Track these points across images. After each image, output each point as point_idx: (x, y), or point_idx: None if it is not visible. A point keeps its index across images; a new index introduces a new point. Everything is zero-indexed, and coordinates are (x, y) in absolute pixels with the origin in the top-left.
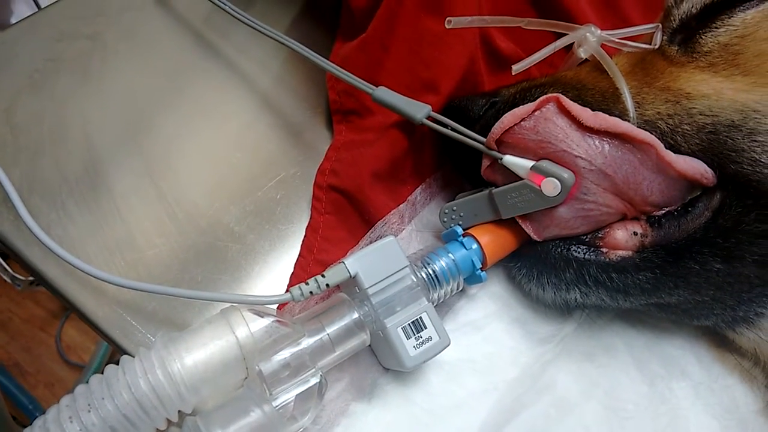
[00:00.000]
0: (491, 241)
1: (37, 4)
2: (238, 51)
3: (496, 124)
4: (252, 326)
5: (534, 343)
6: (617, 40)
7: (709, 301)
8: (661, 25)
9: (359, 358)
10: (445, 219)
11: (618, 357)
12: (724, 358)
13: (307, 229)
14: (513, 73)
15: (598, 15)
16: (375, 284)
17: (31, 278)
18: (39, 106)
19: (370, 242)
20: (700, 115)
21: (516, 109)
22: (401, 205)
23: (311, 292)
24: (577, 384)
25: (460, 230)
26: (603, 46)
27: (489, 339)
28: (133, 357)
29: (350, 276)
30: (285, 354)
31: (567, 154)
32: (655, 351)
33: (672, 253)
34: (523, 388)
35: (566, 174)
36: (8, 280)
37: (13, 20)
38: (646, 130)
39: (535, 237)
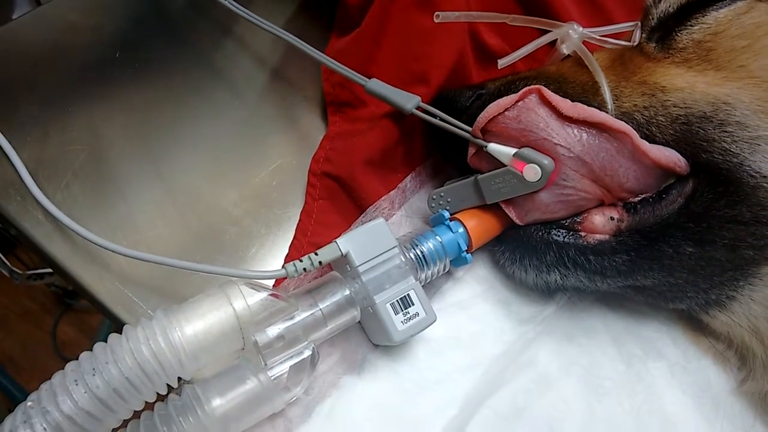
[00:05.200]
0: (477, 225)
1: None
2: (237, 44)
3: (482, 113)
4: (249, 299)
5: (517, 322)
6: (598, 37)
7: (683, 284)
8: (640, 24)
9: (350, 335)
10: (434, 204)
11: (597, 337)
12: (699, 341)
13: (301, 213)
14: (499, 67)
15: (582, 13)
16: (365, 262)
17: (28, 272)
18: (44, 94)
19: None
20: (674, 107)
21: (500, 100)
22: (392, 192)
23: (305, 269)
24: (558, 361)
25: (447, 214)
26: (585, 42)
27: (474, 318)
28: (136, 327)
29: (342, 254)
30: (279, 327)
31: (547, 142)
32: (633, 332)
33: (647, 237)
34: (505, 364)
35: (546, 161)
36: (6, 274)
37: (15, 15)
38: (623, 121)
39: (517, 221)
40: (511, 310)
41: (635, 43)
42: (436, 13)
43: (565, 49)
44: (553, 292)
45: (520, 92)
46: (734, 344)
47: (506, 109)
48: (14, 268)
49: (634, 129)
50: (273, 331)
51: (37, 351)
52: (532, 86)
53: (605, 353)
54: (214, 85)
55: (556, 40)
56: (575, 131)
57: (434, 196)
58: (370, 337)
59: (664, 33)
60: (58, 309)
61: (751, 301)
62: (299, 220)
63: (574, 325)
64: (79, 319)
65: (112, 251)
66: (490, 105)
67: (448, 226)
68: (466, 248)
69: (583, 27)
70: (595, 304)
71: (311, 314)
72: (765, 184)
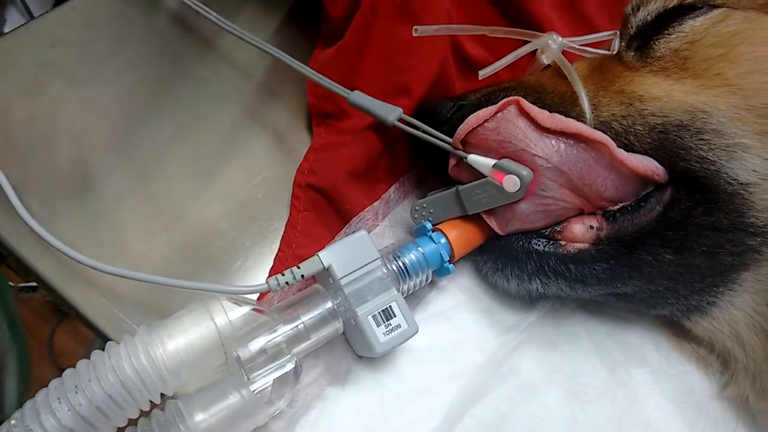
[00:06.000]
0: (459, 235)
1: (30, 13)
2: (223, 58)
3: (462, 125)
4: (230, 314)
5: (500, 331)
6: (578, 47)
7: (663, 291)
8: (619, 32)
9: (334, 347)
10: (416, 215)
11: (580, 344)
12: (682, 346)
13: (286, 225)
14: (480, 78)
15: (564, 22)
16: (347, 275)
17: (22, 284)
18: (31, 109)
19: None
20: (652, 116)
21: (479, 111)
22: (375, 203)
23: (287, 283)
24: (541, 369)
25: (429, 225)
26: (565, 52)
27: (457, 327)
28: (119, 342)
29: (324, 267)
30: (262, 341)
31: (526, 152)
32: (615, 339)
33: (626, 245)
34: (488, 373)
35: (525, 171)
36: None
37: (7, 29)
38: (601, 130)
39: (498, 231)
40: (494, 318)
41: (614, 52)
42: (415, 27)
43: (544, 59)
44: (535, 300)
45: (499, 104)
46: (716, 349)
47: (485, 121)
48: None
49: (613, 138)
50: (255, 345)
51: (34, 361)
52: (510, 98)
53: (588, 360)
54: (200, 98)
55: (537, 49)
56: (553, 142)
57: (417, 207)
58: (353, 349)
59: (642, 42)
60: (54, 319)
61: (731, 307)
62: (284, 232)
63: (557, 333)
64: (75, 328)
65: (97, 269)
66: (470, 117)
67: (431, 237)
68: (449, 258)
69: (564, 36)
70: (577, 311)
71: (293, 327)
72: (742, 192)
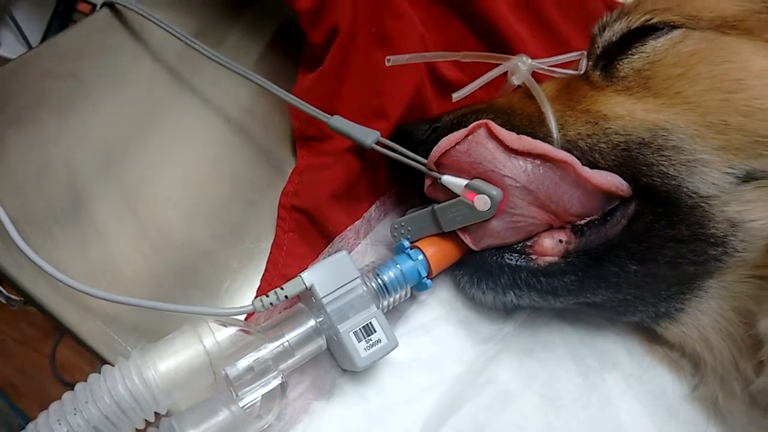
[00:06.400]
0: (435, 252)
1: (23, 34)
2: (210, 85)
3: (435, 147)
4: (218, 335)
5: (478, 341)
6: (546, 68)
7: (632, 299)
8: (586, 53)
9: (320, 361)
10: (395, 234)
11: (555, 352)
12: (654, 351)
13: (272, 246)
14: (453, 101)
15: (538, 40)
16: (329, 294)
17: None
18: (26, 140)
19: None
20: (615, 134)
21: (451, 134)
22: (357, 222)
23: (272, 303)
24: (517, 377)
25: (407, 243)
26: (534, 73)
27: (437, 340)
28: (113, 365)
29: (306, 287)
30: (249, 359)
31: (495, 173)
32: (589, 345)
33: (593, 257)
34: (466, 383)
35: (495, 191)
36: (3, 301)
37: (1, 51)
38: (568, 148)
39: (473, 247)
40: (472, 329)
41: (582, 72)
42: (387, 57)
43: (515, 81)
44: (511, 311)
45: (470, 127)
46: (687, 353)
47: (457, 143)
48: (10, 295)
49: (579, 156)
50: (243, 363)
51: (38, 376)
52: (480, 121)
53: (563, 366)
54: (187, 124)
55: (508, 71)
56: (521, 162)
57: (396, 226)
58: (338, 362)
59: (607, 62)
60: (57, 333)
61: (698, 313)
62: (270, 253)
63: (533, 341)
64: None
65: (92, 296)
66: (443, 139)
67: (409, 255)
68: (426, 274)
69: (533, 57)
70: (553, 320)
71: (279, 345)
72: (702, 204)
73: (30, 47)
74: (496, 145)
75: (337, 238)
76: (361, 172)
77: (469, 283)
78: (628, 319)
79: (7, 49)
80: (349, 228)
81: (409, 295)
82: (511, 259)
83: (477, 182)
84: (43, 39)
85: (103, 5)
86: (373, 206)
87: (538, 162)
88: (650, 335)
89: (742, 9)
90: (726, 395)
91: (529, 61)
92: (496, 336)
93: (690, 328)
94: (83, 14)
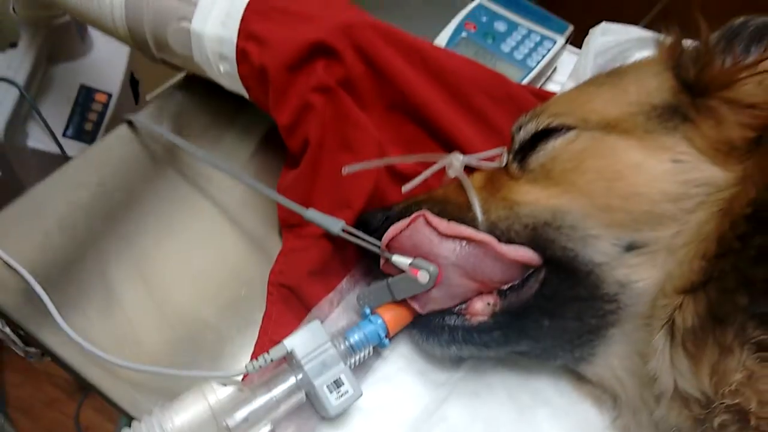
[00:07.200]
0: (392, 316)
1: (48, 126)
2: (208, 180)
3: (386, 234)
4: (219, 394)
5: (432, 387)
6: (476, 162)
7: (551, 347)
8: (506, 149)
9: (303, 410)
10: (360, 302)
11: (496, 392)
12: (581, 388)
13: (263, 316)
14: (402, 192)
15: (479, 135)
16: (306, 356)
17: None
18: (64, 240)
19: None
20: (526, 217)
21: (397, 224)
22: (330, 294)
23: (260, 366)
24: (464, 416)
25: (368, 311)
26: (467, 167)
27: (397, 387)
28: (140, 421)
29: (288, 351)
30: (244, 412)
31: (432, 253)
32: (525, 385)
33: (515, 315)
34: (422, 421)
35: (432, 267)
36: (21, 354)
37: (29, 143)
38: (491, 229)
39: (420, 311)
40: (427, 377)
41: (503, 165)
42: (343, 167)
43: (451, 174)
44: (460, 360)
45: (411, 217)
46: (606, 389)
47: (402, 231)
48: (28, 348)
49: (499, 235)
50: (240, 415)
51: None
52: (419, 212)
53: (502, 405)
54: (193, 216)
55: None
56: (451, 244)
57: (360, 296)
58: (316, 410)
59: (522, 156)
60: (80, 394)
61: (608, 356)
62: (262, 322)
63: (478, 384)
64: (101, 403)
65: (121, 366)
66: (391, 228)
67: (370, 320)
68: (385, 335)
69: (475, 151)
70: (495, 366)
71: (268, 399)
72: (596, 270)
73: (54, 137)
74: (431, 230)
75: (314, 308)
76: (333, 253)
77: (421, 339)
78: (553, 363)
79: (34, 139)
80: (324, 299)
81: (372, 352)
82: (450, 320)
83: (418, 261)
84: (66, 128)
85: (121, 122)
86: (344, 280)
87: (465, 243)
88: (577, 375)
89: (621, 112)
90: (637, 424)
91: (461, 157)
92: (448, 381)
93: (603, 369)
94: (101, 103)
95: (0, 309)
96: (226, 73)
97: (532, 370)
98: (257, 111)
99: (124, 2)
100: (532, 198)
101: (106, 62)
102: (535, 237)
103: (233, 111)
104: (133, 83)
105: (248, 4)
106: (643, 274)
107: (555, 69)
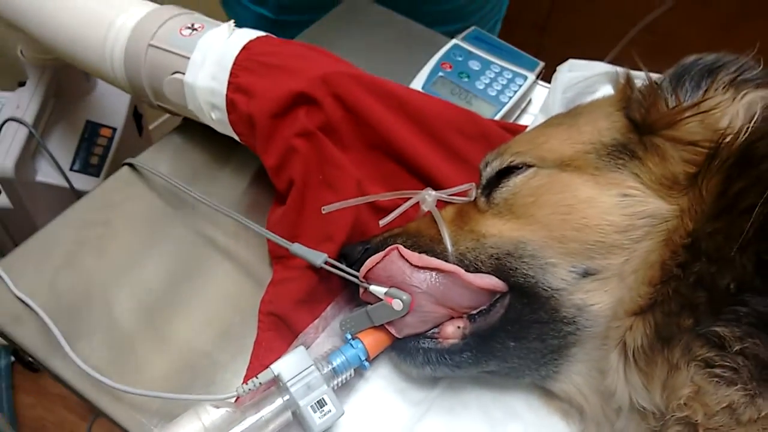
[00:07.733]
0: (372, 341)
1: (56, 162)
2: (203, 217)
3: (364, 265)
4: (213, 415)
5: (410, 405)
6: (447, 197)
7: (518, 366)
8: (475, 185)
9: (290, 428)
10: (343, 328)
11: (470, 409)
12: (550, 403)
13: (255, 343)
14: (380, 226)
15: (455, 171)
16: (291, 379)
17: None
18: (73, 278)
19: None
20: (491, 247)
21: (373, 257)
22: (316, 320)
23: (250, 389)
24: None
25: (349, 336)
26: (439, 201)
27: (378, 406)
28: None
29: (275, 375)
30: (236, 431)
31: (405, 283)
32: (497, 401)
33: (482, 338)
34: None
35: (405, 296)
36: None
37: (38, 177)
38: (460, 259)
39: (397, 335)
40: (406, 396)
41: (473, 199)
42: (322, 207)
43: (425, 208)
44: (437, 379)
45: (386, 251)
46: (573, 404)
47: (377, 263)
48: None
49: (468, 264)
50: None
51: None
52: (393, 245)
53: (475, 420)
54: (189, 251)
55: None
56: (422, 275)
57: (342, 323)
58: (303, 429)
59: (489, 191)
60: (90, 416)
61: (572, 373)
62: (253, 349)
63: (453, 401)
64: (110, 425)
65: (126, 392)
66: (368, 260)
67: (351, 344)
68: (365, 358)
69: (447, 187)
70: (471, 384)
71: (257, 419)
72: (555, 295)
73: (62, 171)
74: (404, 263)
75: (301, 334)
76: (318, 282)
77: (398, 360)
78: (521, 380)
79: (43, 174)
80: (310, 326)
81: (353, 374)
82: (425, 343)
83: (393, 290)
84: (73, 162)
85: (123, 165)
86: (329, 307)
87: (435, 273)
88: (546, 391)
89: (575, 151)
90: None
91: (433, 193)
92: (425, 399)
93: (569, 385)
94: (106, 137)
95: (15, 341)
96: (218, 119)
97: (505, 387)
98: (248, 152)
99: (123, 57)
100: (497, 230)
101: (110, 98)
102: (500, 266)
103: (227, 152)
104: (136, 117)
105: (236, 60)
106: (597, 299)
107: (530, 101)
